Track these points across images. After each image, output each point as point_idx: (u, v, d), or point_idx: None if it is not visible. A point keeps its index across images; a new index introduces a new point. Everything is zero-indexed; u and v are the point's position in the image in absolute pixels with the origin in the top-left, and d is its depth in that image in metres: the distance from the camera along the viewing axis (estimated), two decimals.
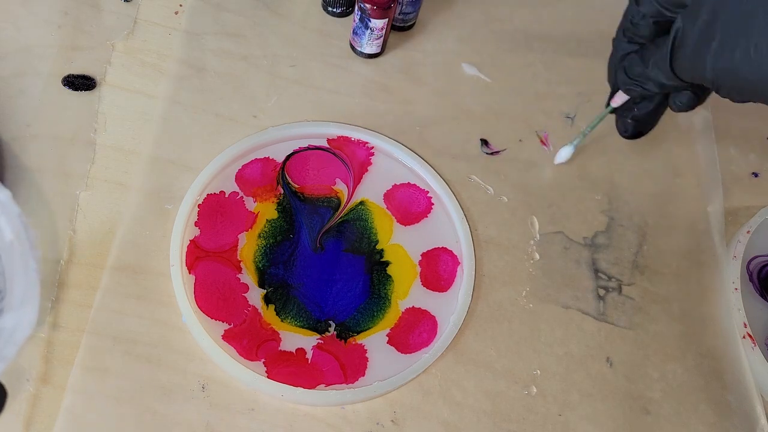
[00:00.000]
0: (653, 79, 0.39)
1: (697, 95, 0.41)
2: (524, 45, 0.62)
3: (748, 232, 0.54)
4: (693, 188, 0.57)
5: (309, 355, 0.45)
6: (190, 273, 0.46)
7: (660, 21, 0.38)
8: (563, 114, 0.59)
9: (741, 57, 0.32)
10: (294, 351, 0.45)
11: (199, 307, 0.45)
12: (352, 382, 0.44)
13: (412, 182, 0.52)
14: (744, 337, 0.50)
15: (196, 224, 0.47)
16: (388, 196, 0.51)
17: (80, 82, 0.52)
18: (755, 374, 0.49)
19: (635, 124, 0.44)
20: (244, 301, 0.46)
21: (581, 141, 0.53)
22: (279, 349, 0.44)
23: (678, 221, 0.55)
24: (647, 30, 0.39)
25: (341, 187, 0.51)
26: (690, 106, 0.41)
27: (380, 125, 0.54)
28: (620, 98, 0.45)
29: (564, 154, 0.54)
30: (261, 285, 0.46)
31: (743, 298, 0.51)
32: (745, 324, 0.50)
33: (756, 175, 0.59)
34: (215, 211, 0.48)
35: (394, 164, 0.53)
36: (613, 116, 0.49)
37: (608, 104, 0.47)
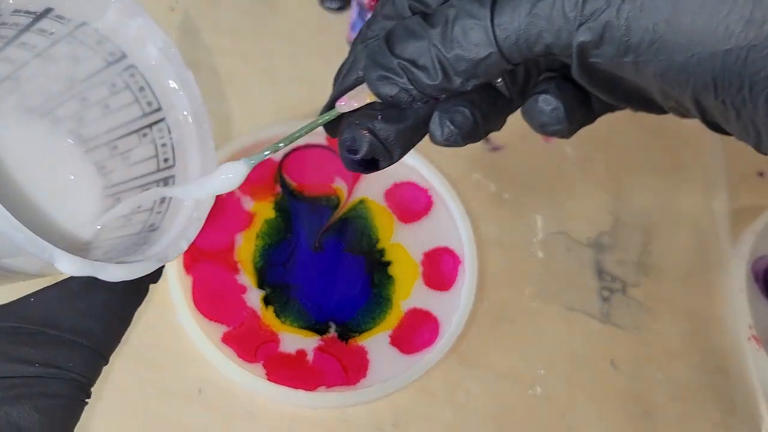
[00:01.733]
0: (444, 58, 0.20)
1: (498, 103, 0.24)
2: None
3: (753, 232, 0.53)
4: (698, 188, 0.57)
5: (310, 357, 0.44)
6: (187, 274, 0.45)
7: None
8: None
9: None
10: (294, 352, 0.44)
11: (196, 309, 0.44)
12: (354, 384, 0.43)
13: (412, 180, 0.52)
14: (749, 338, 0.50)
15: None
16: (389, 195, 0.51)
17: None
18: (760, 376, 0.49)
19: (398, 136, 0.24)
20: (243, 303, 0.45)
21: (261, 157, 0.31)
22: (279, 350, 0.44)
23: (683, 221, 0.55)
24: None
25: (341, 186, 0.50)
26: (491, 128, 0.24)
27: None
28: (356, 101, 0.26)
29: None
30: (260, 286, 0.46)
31: (748, 299, 0.51)
32: (750, 325, 0.50)
33: (762, 174, 0.59)
34: (212, 212, 0.48)
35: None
36: None
37: (327, 107, 0.27)
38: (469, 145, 0.57)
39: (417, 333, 0.46)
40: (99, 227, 0.30)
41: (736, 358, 0.50)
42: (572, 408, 0.46)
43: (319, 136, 0.52)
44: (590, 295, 0.50)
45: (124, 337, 0.43)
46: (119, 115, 0.31)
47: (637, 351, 0.49)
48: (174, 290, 0.44)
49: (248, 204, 0.49)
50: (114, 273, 0.24)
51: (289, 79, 0.55)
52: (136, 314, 0.43)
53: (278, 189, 0.50)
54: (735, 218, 0.56)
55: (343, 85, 0.24)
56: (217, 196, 0.46)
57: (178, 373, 0.43)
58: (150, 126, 0.31)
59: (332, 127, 0.25)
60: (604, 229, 0.53)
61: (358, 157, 0.24)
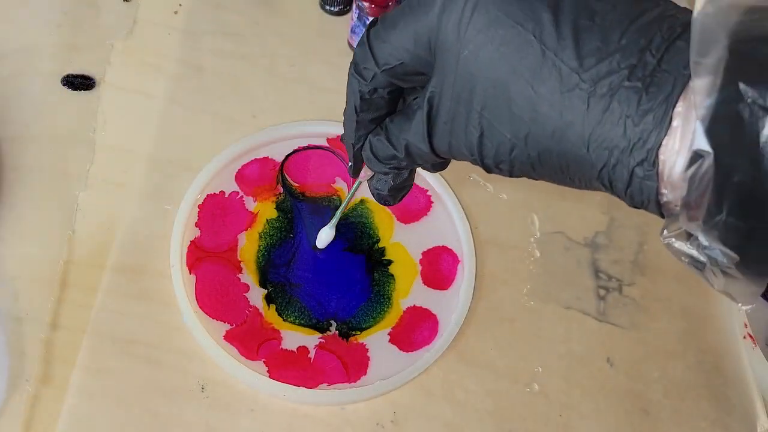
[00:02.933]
0: (407, 158, 0.32)
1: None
2: None
3: None
4: None
5: (311, 355, 0.45)
6: (190, 273, 0.46)
7: (394, 89, 0.31)
8: None
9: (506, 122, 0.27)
10: (295, 350, 0.45)
11: (200, 308, 0.45)
12: (355, 381, 0.44)
13: None
14: (745, 337, 0.50)
15: (196, 225, 0.47)
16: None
17: (79, 82, 0.51)
18: (756, 375, 0.49)
19: (395, 192, 0.37)
20: (245, 301, 0.46)
21: (338, 219, 0.46)
22: (280, 348, 0.44)
23: None
24: (383, 103, 0.32)
25: (341, 186, 0.51)
26: (444, 168, 0.36)
27: None
28: (367, 171, 0.38)
29: (325, 237, 0.46)
30: (262, 285, 0.46)
31: None
32: (745, 324, 0.50)
33: None
34: (215, 212, 0.48)
35: None
36: None
37: (356, 176, 0.38)
38: None
39: (416, 331, 0.47)
40: None
41: (732, 357, 0.50)
42: (569, 405, 0.46)
43: (320, 138, 0.53)
44: (587, 293, 0.51)
45: (127, 336, 0.43)
46: None
47: (634, 349, 0.49)
48: (177, 289, 0.44)
49: (251, 204, 0.49)
50: None
51: (290, 81, 0.55)
52: (139, 313, 0.44)
53: (280, 189, 0.50)
54: None
55: (354, 159, 0.36)
56: (221, 198, 0.47)
57: (181, 370, 0.43)
58: None
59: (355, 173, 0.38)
60: (600, 229, 0.54)
61: (388, 203, 0.38)
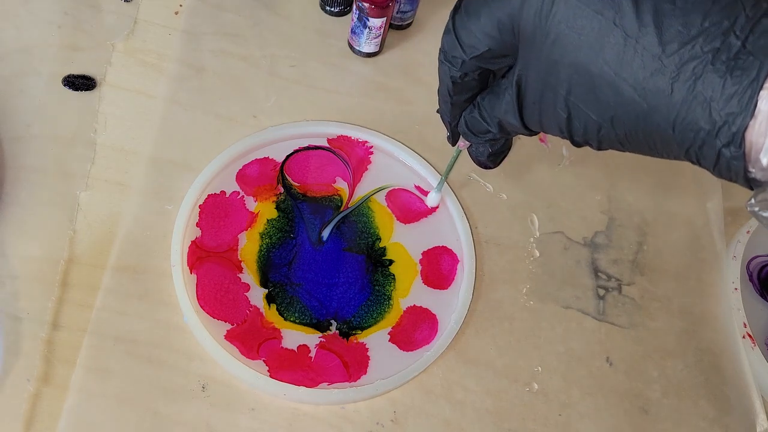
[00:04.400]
0: (501, 132, 0.34)
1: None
2: None
3: (748, 232, 0.54)
4: (693, 188, 0.57)
5: (311, 354, 0.45)
6: (191, 273, 0.46)
7: (483, 71, 0.32)
8: None
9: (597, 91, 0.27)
10: (296, 348, 0.45)
11: (200, 307, 0.45)
12: (355, 380, 0.44)
13: (413, 186, 0.52)
14: (744, 336, 0.50)
15: (197, 225, 0.47)
16: (390, 195, 0.52)
17: (80, 82, 0.52)
18: (755, 374, 0.49)
19: (494, 157, 0.39)
20: (246, 301, 0.46)
21: (443, 185, 0.50)
22: (281, 347, 0.45)
23: (677, 220, 0.55)
24: (475, 84, 0.33)
25: (342, 186, 0.51)
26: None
27: (379, 124, 0.54)
28: (465, 141, 0.39)
29: (433, 200, 0.50)
30: (263, 284, 0.47)
31: (743, 298, 0.51)
32: (744, 324, 0.50)
33: None
34: (216, 212, 0.48)
35: (393, 163, 0.53)
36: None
37: (454, 145, 0.41)
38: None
39: (416, 331, 0.47)
40: None
41: (731, 356, 0.50)
42: (569, 405, 0.47)
43: (320, 138, 0.53)
44: (586, 293, 0.51)
45: (128, 335, 0.44)
46: None
47: (633, 349, 0.49)
48: (178, 289, 0.44)
49: (251, 204, 0.49)
50: None
51: (290, 81, 0.56)
52: (140, 313, 0.44)
53: (280, 189, 0.50)
54: (729, 218, 0.56)
55: (451, 131, 0.37)
56: (222, 198, 0.47)
57: (181, 369, 0.43)
58: None
59: (454, 142, 0.39)
60: (599, 229, 0.54)
61: (489, 167, 0.39)
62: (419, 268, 0.49)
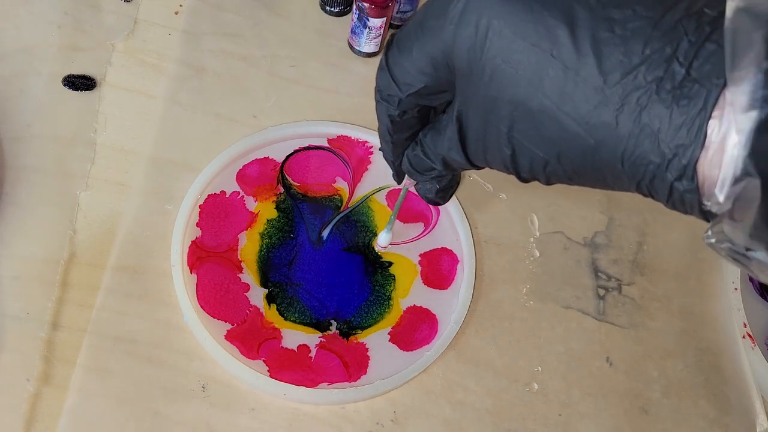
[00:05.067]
0: (446, 169, 0.33)
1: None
2: None
3: None
4: None
5: (311, 354, 0.45)
6: (191, 273, 0.46)
7: (422, 107, 0.31)
8: None
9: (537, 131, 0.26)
10: (296, 348, 0.45)
11: (200, 307, 0.45)
12: (355, 380, 0.44)
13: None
14: (744, 336, 0.50)
15: (197, 225, 0.48)
16: (391, 195, 0.52)
17: (80, 82, 0.52)
18: (755, 374, 0.49)
19: (443, 193, 0.37)
20: (246, 301, 0.46)
21: (392, 224, 0.46)
22: (281, 346, 0.45)
23: (677, 220, 0.55)
24: (414, 121, 0.32)
25: (342, 186, 0.51)
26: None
27: None
28: (412, 180, 0.38)
29: (383, 239, 0.46)
30: (263, 284, 0.47)
31: (743, 299, 0.51)
32: (744, 324, 0.50)
33: None
34: (216, 212, 0.49)
35: None
36: None
37: (400, 183, 0.39)
38: None
39: (416, 331, 0.47)
40: None
41: (731, 356, 0.50)
42: (569, 405, 0.47)
43: (320, 138, 0.53)
44: (586, 293, 0.51)
45: (128, 335, 0.44)
46: None
47: (633, 349, 0.49)
48: (178, 288, 0.44)
49: (251, 204, 0.49)
50: None
51: (290, 81, 0.56)
52: (140, 313, 0.44)
53: (280, 189, 0.50)
54: None
55: (395, 171, 0.37)
56: (222, 198, 0.47)
57: (181, 369, 0.43)
58: None
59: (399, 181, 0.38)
60: (599, 229, 0.54)
61: (438, 203, 0.37)
62: (419, 268, 0.49)
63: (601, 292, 0.51)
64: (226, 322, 0.45)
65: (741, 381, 0.49)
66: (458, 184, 0.37)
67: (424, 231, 0.51)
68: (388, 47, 0.30)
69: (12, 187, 0.47)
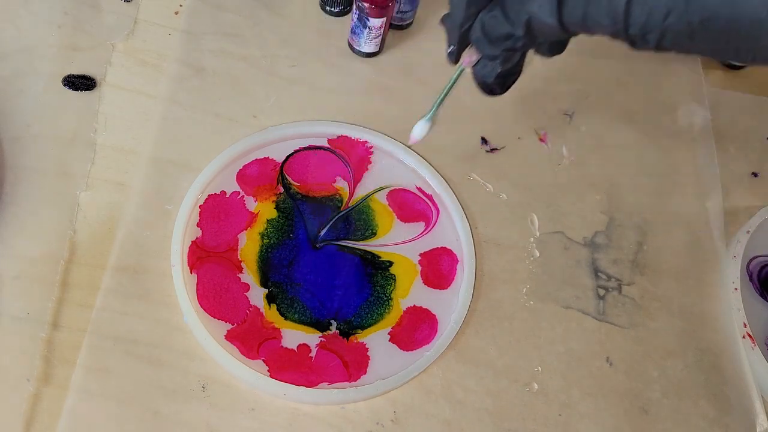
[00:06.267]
0: (526, 37, 0.28)
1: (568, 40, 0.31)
2: None
3: (747, 232, 0.54)
4: (692, 187, 0.57)
5: (311, 354, 0.45)
6: (191, 273, 0.46)
7: None
8: (561, 111, 0.59)
9: None
10: (296, 348, 0.45)
11: (200, 307, 0.45)
12: (355, 380, 0.44)
13: (414, 184, 0.52)
14: (744, 336, 0.50)
15: (197, 225, 0.48)
16: (391, 195, 0.52)
17: (80, 82, 0.52)
18: (755, 374, 0.49)
19: (502, 79, 0.32)
20: (246, 301, 0.46)
21: (434, 114, 0.41)
22: (281, 346, 0.45)
23: (677, 220, 0.55)
24: None
25: (342, 186, 0.51)
26: (562, 50, 0.31)
27: (379, 124, 0.54)
28: (472, 56, 0.33)
29: (419, 130, 0.41)
30: (263, 284, 0.47)
31: (743, 298, 0.51)
32: (744, 324, 0.50)
33: (756, 175, 0.59)
34: (216, 212, 0.49)
35: (393, 162, 0.53)
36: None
37: (456, 63, 0.34)
38: (467, 146, 0.58)
39: (416, 331, 0.47)
40: None
41: (731, 356, 0.50)
42: (568, 405, 0.47)
43: (320, 138, 0.53)
44: (586, 293, 0.51)
45: (128, 335, 0.44)
46: None
47: (633, 349, 0.49)
48: (178, 288, 0.44)
49: (251, 204, 0.49)
50: None
51: (290, 81, 0.56)
52: (140, 313, 0.44)
53: (280, 189, 0.50)
54: (729, 218, 0.56)
55: (459, 41, 0.32)
56: (222, 198, 0.47)
57: (181, 369, 0.43)
58: None
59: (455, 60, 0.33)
60: (599, 229, 0.54)
61: (496, 93, 0.33)
62: (419, 268, 0.49)
63: (601, 292, 0.51)
64: (226, 322, 0.45)
65: (741, 381, 0.49)
66: (521, 72, 0.33)
67: (424, 231, 0.51)
68: None
69: (12, 187, 0.47)
